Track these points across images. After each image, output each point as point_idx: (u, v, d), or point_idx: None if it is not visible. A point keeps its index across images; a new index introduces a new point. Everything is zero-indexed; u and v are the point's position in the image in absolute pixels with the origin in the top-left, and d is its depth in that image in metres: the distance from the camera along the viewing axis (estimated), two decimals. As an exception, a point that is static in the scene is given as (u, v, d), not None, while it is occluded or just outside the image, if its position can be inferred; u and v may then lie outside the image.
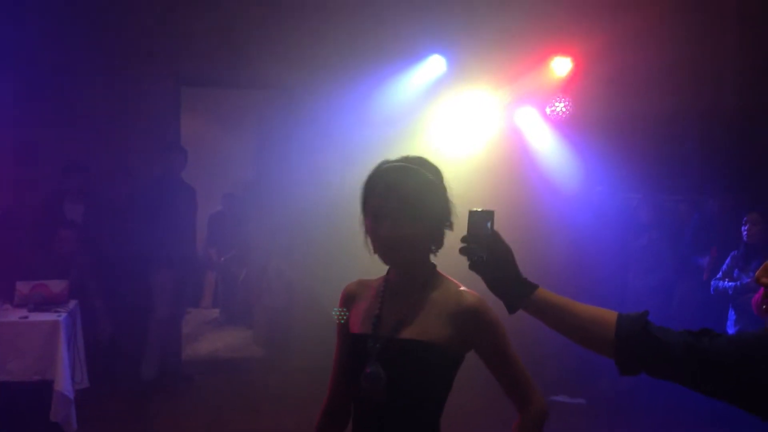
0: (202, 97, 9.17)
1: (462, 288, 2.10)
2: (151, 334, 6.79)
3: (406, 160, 2.10)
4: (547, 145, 7.69)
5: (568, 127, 7.51)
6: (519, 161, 7.62)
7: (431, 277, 2.13)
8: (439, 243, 2.11)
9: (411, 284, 2.11)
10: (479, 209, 1.88)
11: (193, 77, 7.46)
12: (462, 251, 1.87)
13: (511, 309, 1.86)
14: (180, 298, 7.03)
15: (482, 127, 7.59)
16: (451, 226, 2.10)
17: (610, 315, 1.77)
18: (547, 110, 7.57)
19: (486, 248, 1.84)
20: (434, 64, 7.48)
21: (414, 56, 7.37)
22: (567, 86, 7.55)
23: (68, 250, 6.27)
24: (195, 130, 9.01)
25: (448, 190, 2.11)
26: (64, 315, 5.57)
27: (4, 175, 6.46)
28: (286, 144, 7.53)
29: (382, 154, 2.17)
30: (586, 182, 7.29)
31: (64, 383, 5.36)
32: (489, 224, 1.86)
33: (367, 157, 2.35)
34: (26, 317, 5.50)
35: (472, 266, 1.85)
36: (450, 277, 2.15)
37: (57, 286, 5.80)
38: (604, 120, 7.33)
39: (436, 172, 2.10)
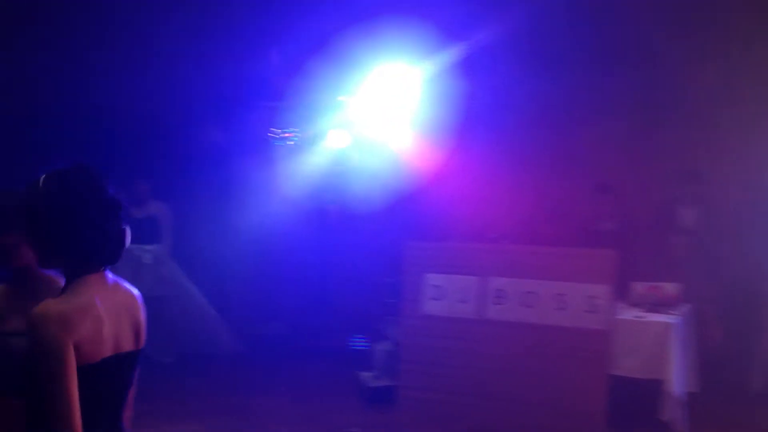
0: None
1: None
2: (763, 346, 6.47)
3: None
4: None
5: None
6: None
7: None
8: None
9: None
10: None
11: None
12: None
13: None
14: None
15: None
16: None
17: None
18: None
19: None
20: None
21: None
22: None
23: (680, 255, 6.37)
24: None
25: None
26: (676, 318, 5.67)
27: (627, 180, 6.87)
28: None
29: None
30: None
31: (675, 384, 5.46)
32: None
33: None
34: (641, 317, 5.76)
35: None
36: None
37: (670, 288, 5.95)
38: None
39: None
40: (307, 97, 7.47)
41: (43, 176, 2.12)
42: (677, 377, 5.52)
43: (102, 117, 8.15)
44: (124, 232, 2.20)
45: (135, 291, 2.31)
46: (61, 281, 2.64)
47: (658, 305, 5.87)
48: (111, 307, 2.13)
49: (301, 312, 8.69)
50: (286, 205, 7.76)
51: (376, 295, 7.13)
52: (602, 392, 5.62)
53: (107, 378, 2.11)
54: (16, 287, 2.66)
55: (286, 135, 7.79)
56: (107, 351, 2.08)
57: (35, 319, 1.94)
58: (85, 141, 7.80)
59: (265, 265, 8.52)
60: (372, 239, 7.97)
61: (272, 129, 8.14)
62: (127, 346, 2.17)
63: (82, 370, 1.99)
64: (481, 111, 7.48)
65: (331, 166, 7.62)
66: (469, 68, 7.09)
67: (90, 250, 2.12)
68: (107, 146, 7.91)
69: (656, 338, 5.59)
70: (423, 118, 7.22)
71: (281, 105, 7.93)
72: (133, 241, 7.69)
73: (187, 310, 7.77)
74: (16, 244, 2.59)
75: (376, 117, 7.27)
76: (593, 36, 7.16)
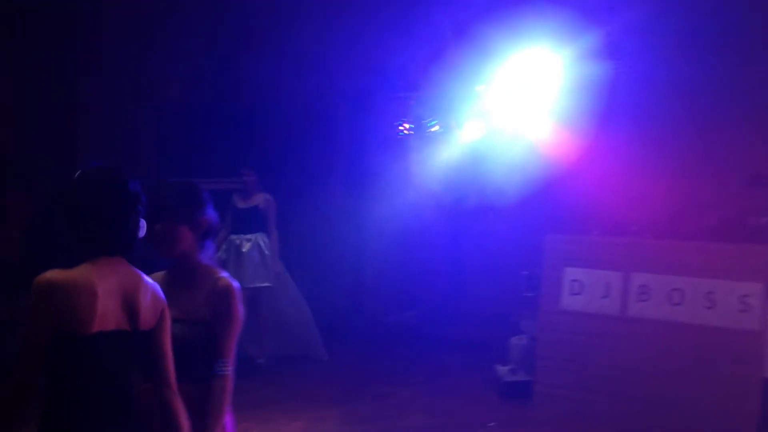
0: None
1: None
2: None
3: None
4: None
5: None
6: None
7: None
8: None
9: None
10: None
11: None
12: None
13: None
14: None
15: None
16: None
17: None
18: None
19: None
20: None
21: None
22: None
23: None
24: None
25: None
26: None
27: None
28: None
29: None
30: None
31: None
32: None
33: None
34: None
35: None
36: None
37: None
38: None
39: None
40: (444, 88, 7.43)
41: (80, 171, 2.42)
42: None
43: (239, 111, 8.45)
44: (139, 224, 2.45)
45: (146, 278, 2.47)
46: (220, 272, 2.79)
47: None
48: (111, 288, 2.34)
49: (438, 303, 8.71)
50: (422, 197, 7.78)
51: (513, 288, 7.03)
52: (755, 396, 5.33)
53: (100, 350, 2.32)
54: (174, 275, 2.80)
55: (423, 126, 7.79)
56: (103, 325, 2.31)
57: (34, 281, 2.25)
58: (224, 136, 8.14)
59: (402, 255, 8.58)
60: (510, 231, 7.85)
61: (408, 120, 8.17)
62: (123, 325, 2.37)
63: (76, 341, 2.27)
64: (625, 98, 7.19)
65: (468, 157, 7.55)
66: (611, 53, 6.83)
67: (106, 236, 2.38)
68: (244, 141, 8.20)
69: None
70: (563, 107, 7.02)
71: (418, 96, 7.94)
72: (235, 232, 7.90)
73: (279, 308, 7.55)
74: (175, 232, 2.74)
75: (514, 106, 7.13)
76: (745, 18, 6.73)
